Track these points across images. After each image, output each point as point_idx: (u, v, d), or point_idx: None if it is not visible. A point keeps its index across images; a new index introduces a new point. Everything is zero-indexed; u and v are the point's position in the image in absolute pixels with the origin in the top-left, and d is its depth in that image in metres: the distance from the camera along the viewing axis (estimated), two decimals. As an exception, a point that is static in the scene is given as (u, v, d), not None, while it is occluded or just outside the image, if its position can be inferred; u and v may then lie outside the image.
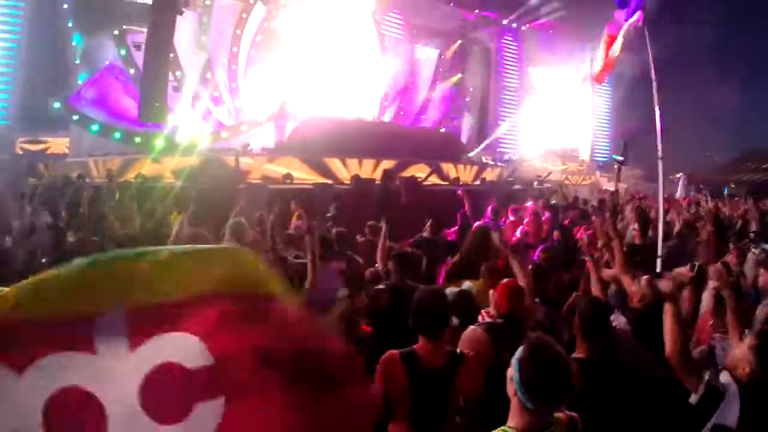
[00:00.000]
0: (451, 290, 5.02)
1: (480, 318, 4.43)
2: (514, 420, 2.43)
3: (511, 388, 2.43)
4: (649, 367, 4.01)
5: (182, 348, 1.70)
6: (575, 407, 2.68)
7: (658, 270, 6.64)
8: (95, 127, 16.98)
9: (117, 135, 16.67)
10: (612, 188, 27.02)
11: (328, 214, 9.75)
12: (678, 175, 30.27)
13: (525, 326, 4.29)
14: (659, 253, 7.08)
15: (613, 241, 5.78)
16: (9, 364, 1.60)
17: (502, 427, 2.44)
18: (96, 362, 1.66)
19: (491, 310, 4.38)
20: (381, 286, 5.47)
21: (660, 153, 7.84)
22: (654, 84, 7.86)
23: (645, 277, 4.81)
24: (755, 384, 3.25)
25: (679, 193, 26.18)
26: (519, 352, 2.46)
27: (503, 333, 4.05)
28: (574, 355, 3.82)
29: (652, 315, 4.53)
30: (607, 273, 5.94)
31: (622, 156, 21.93)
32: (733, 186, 39.11)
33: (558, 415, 2.51)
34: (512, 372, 2.43)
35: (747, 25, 39.43)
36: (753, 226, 12.28)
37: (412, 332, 3.62)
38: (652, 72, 7.92)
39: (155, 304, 1.71)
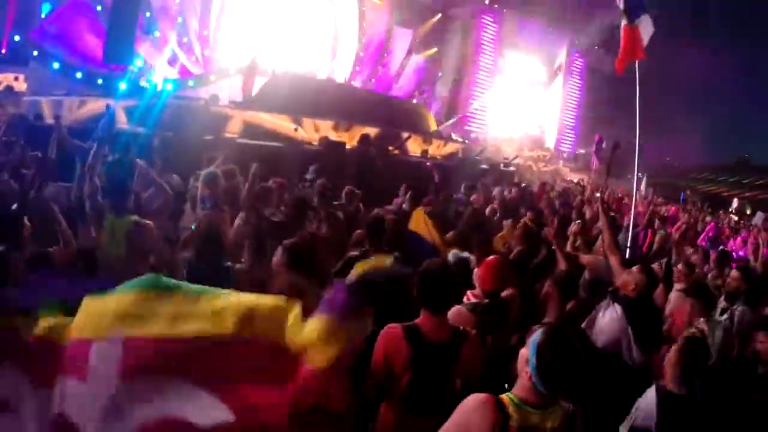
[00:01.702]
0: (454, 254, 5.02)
1: (465, 299, 4.29)
2: (521, 392, 2.47)
3: (525, 367, 2.43)
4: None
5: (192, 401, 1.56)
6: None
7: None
8: (56, 65, 16.21)
9: (79, 74, 15.94)
10: (575, 179, 27.44)
11: (307, 176, 9.38)
12: (639, 174, 30.77)
13: (510, 309, 4.29)
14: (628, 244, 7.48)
15: (603, 222, 5.91)
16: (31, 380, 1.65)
17: (508, 394, 2.49)
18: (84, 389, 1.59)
19: (477, 290, 4.31)
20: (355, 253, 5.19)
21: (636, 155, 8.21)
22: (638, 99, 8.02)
23: (637, 265, 4.88)
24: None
25: (643, 192, 26.79)
26: (538, 336, 2.45)
27: (489, 314, 4.03)
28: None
29: (644, 302, 4.51)
30: (583, 258, 5.98)
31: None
32: (688, 193, 40.30)
33: None
34: (528, 354, 2.44)
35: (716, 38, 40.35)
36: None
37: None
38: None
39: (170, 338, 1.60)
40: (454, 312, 3.93)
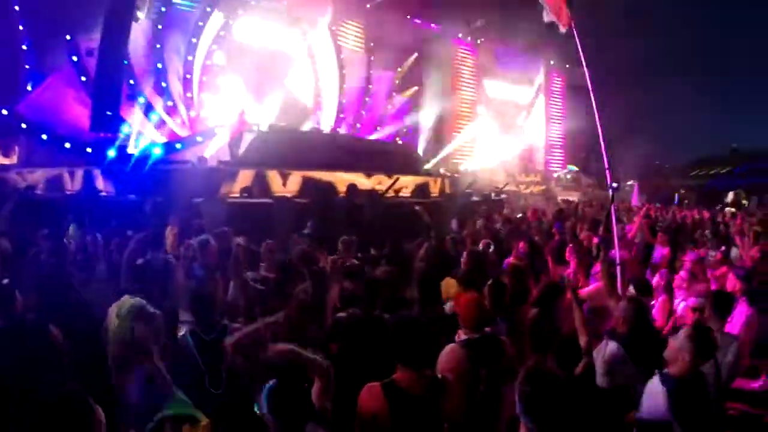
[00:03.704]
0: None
1: (456, 337, 4.45)
2: None
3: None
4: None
5: None
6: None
7: (617, 279, 6.87)
8: (44, 136, 16.42)
9: (67, 144, 16.14)
10: (570, 198, 27.70)
11: (305, 231, 9.58)
12: (630, 183, 31.12)
13: (500, 341, 4.47)
14: (617, 261, 7.32)
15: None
16: None
17: None
18: None
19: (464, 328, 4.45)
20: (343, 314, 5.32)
21: (606, 164, 8.21)
22: (593, 98, 8.13)
23: (621, 302, 5.04)
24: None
25: (634, 201, 26.93)
26: (519, 384, 2.62)
27: (480, 348, 4.20)
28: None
29: (637, 336, 4.70)
30: (583, 293, 6.17)
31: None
32: (683, 192, 40.46)
33: None
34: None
35: (697, 34, 41.00)
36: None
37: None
38: (589, 83, 8.15)
39: None
40: (446, 351, 4.12)
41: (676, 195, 38.59)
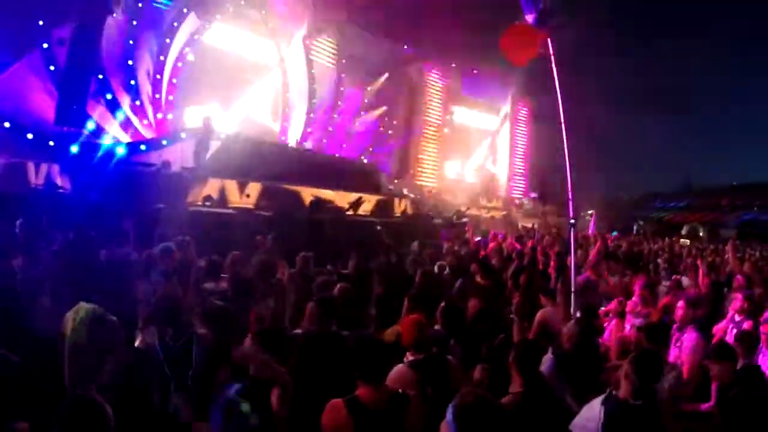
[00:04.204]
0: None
1: (405, 359, 4.56)
2: None
3: None
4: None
5: None
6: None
7: (572, 305, 7.30)
8: (7, 124, 16.05)
9: (30, 135, 15.81)
10: (528, 224, 28.19)
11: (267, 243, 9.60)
12: (590, 212, 31.90)
13: (446, 361, 4.63)
14: (572, 288, 7.68)
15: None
16: None
17: None
18: None
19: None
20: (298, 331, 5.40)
21: (570, 193, 8.42)
22: (563, 127, 8.32)
23: (572, 321, 5.49)
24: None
25: (591, 230, 27.53)
26: (452, 407, 2.68)
27: (425, 368, 4.35)
28: (511, 389, 4.11)
29: (578, 354, 5.03)
30: (539, 316, 6.42)
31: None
32: (641, 223, 41.56)
33: None
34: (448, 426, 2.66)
35: (655, 65, 42.33)
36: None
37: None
38: (560, 113, 8.31)
39: None
40: (394, 372, 4.22)
41: (634, 226, 39.67)
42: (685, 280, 10.65)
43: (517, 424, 3.71)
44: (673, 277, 10.68)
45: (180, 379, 4.26)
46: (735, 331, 6.66)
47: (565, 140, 8.34)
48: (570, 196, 8.44)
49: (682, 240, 28.03)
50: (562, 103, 8.27)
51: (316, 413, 3.48)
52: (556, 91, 8.26)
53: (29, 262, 6.47)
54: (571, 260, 8.17)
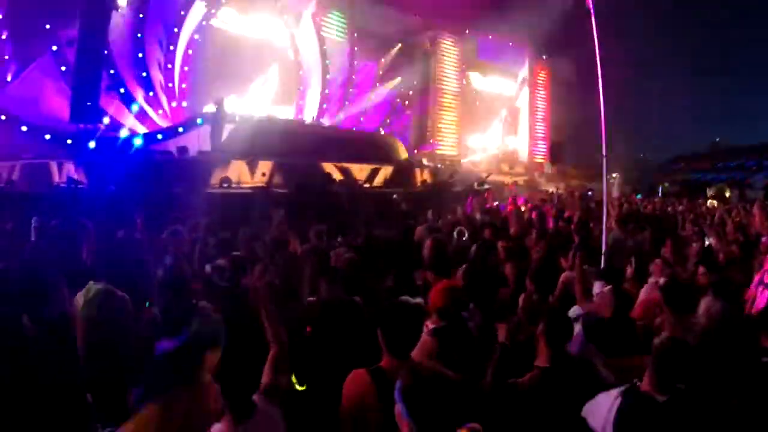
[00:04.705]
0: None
1: (425, 328, 4.37)
2: None
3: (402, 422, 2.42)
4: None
5: None
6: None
7: (602, 266, 7.07)
8: (24, 128, 16.29)
9: (47, 136, 16.04)
10: (551, 189, 27.95)
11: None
12: (614, 175, 31.50)
13: (467, 328, 4.41)
14: (603, 249, 7.62)
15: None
16: None
17: None
18: None
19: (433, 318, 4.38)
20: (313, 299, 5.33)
21: (604, 151, 8.31)
22: (600, 81, 8.14)
23: (608, 287, 4.95)
24: None
25: (615, 193, 27.23)
26: (398, 388, 2.47)
27: (448, 336, 4.12)
28: (537, 362, 3.86)
29: (615, 323, 4.75)
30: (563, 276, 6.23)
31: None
32: (667, 185, 40.91)
33: None
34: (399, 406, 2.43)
35: (685, 30, 41.44)
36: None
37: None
38: (598, 67, 8.08)
39: None
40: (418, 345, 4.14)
41: (660, 188, 39.03)
42: (712, 241, 10.36)
43: (534, 404, 3.57)
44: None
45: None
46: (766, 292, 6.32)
47: (602, 98, 8.16)
48: (604, 153, 8.33)
49: (709, 201, 27.36)
50: (598, 60, 8.08)
51: (335, 383, 3.38)
52: (595, 47, 8.09)
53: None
54: (603, 221, 8.12)
